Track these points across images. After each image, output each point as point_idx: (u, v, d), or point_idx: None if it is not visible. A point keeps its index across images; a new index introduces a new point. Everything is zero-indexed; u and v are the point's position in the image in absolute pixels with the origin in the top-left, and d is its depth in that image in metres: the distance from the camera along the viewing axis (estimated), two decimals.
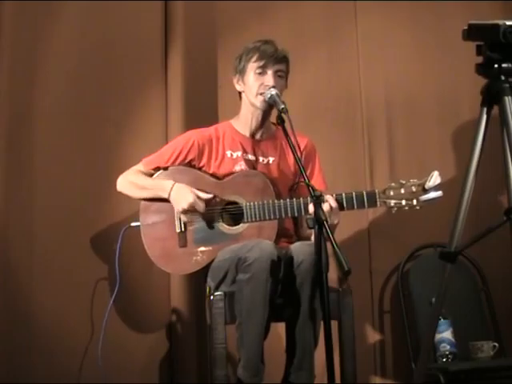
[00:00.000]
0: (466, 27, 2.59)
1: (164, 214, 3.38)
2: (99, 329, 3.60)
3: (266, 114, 3.42)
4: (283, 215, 3.26)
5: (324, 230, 2.77)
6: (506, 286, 4.11)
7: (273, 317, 3.18)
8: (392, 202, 3.17)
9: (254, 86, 3.37)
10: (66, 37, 3.78)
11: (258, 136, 3.48)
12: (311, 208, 3.04)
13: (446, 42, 4.18)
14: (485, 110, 2.62)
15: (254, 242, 3.19)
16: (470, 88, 4.01)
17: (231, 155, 3.44)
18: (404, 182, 3.18)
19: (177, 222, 3.37)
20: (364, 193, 3.20)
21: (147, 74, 3.97)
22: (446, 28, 4.19)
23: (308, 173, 3.41)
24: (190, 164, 3.44)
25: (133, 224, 3.48)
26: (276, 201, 3.27)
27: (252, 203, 3.29)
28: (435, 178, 3.12)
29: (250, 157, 3.45)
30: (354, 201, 3.19)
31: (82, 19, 3.82)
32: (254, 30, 4.02)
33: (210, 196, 3.34)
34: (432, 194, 3.14)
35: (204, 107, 3.97)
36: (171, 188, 3.35)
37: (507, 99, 2.56)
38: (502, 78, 2.57)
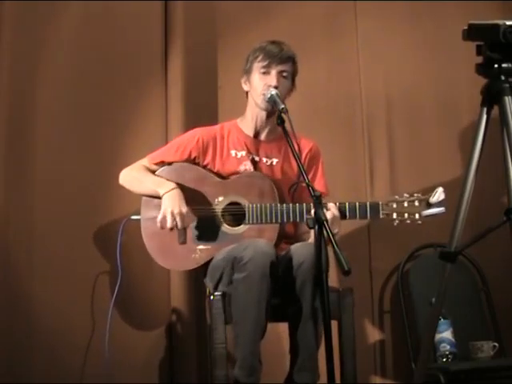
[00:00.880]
0: (465, 27, 2.59)
1: None
2: (100, 325, 3.60)
3: (270, 114, 3.42)
4: (285, 219, 3.27)
5: (324, 230, 2.77)
6: (506, 286, 4.11)
7: (271, 316, 3.17)
8: (394, 215, 3.21)
9: (257, 85, 3.38)
10: (66, 37, 3.78)
11: (262, 137, 3.48)
12: (329, 214, 3.08)
13: (446, 42, 4.18)
14: (485, 110, 2.62)
15: (249, 241, 3.20)
16: (469, 88, 4.01)
17: (236, 154, 3.45)
18: (408, 195, 3.22)
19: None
20: (367, 204, 3.22)
21: (147, 74, 3.97)
22: (446, 28, 4.19)
23: (310, 176, 3.41)
24: (194, 161, 3.44)
25: (133, 217, 3.48)
26: (279, 205, 3.27)
27: (255, 205, 3.29)
28: (439, 194, 3.16)
29: (254, 157, 3.45)
30: (357, 211, 3.22)
31: (82, 19, 3.82)
32: (254, 30, 4.02)
33: (192, 221, 3.32)
34: (434, 210, 3.19)
35: (204, 107, 3.97)
36: (171, 189, 3.33)
37: (507, 99, 2.56)
38: (502, 77, 2.57)
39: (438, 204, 3.17)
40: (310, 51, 4.18)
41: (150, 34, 3.99)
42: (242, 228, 3.32)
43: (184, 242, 3.34)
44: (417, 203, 3.20)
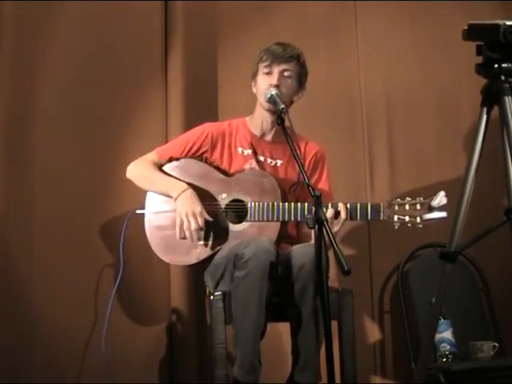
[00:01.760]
0: (465, 27, 2.59)
1: (169, 204, 3.38)
2: (101, 323, 3.59)
3: (273, 114, 3.41)
4: (286, 218, 3.27)
5: (324, 230, 2.77)
6: (505, 286, 4.11)
7: (271, 316, 3.18)
8: (395, 217, 3.20)
9: (261, 86, 3.39)
10: (66, 37, 3.78)
11: (268, 138, 3.48)
12: (329, 212, 3.09)
13: (446, 42, 4.18)
14: (485, 110, 2.61)
15: (250, 238, 3.20)
16: (469, 88, 4.01)
17: (242, 152, 3.46)
18: (409, 198, 3.22)
19: None
20: (369, 205, 3.22)
21: (147, 74, 3.97)
22: (446, 28, 4.19)
23: (314, 181, 3.43)
24: (202, 156, 3.45)
25: (138, 211, 3.49)
26: (281, 203, 3.28)
27: (257, 203, 3.30)
28: (441, 198, 3.15)
29: (259, 157, 3.46)
30: (358, 212, 3.22)
31: (82, 19, 3.82)
32: (254, 30, 4.03)
33: (210, 219, 3.33)
34: (436, 214, 3.18)
35: (204, 107, 3.97)
36: (183, 190, 3.34)
37: (507, 99, 2.56)
38: (502, 78, 2.57)
39: (440, 208, 3.16)
40: (310, 51, 4.15)
41: (150, 34, 3.98)
42: (243, 225, 3.33)
43: (185, 237, 3.34)
44: (418, 206, 3.19)
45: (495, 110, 2.61)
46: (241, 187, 3.36)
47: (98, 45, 3.85)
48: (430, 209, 3.17)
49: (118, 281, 3.59)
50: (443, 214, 3.16)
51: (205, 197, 3.36)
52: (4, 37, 3.62)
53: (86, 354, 3.65)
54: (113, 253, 3.64)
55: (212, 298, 3.25)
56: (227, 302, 3.22)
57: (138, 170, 3.48)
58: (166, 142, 3.77)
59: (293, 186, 3.44)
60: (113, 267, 3.68)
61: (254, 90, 3.46)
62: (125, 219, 3.54)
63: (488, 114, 2.61)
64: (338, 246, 2.70)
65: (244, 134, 3.48)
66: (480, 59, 2.59)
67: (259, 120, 3.47)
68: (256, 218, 3.30)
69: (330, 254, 2.79)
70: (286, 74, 3.38)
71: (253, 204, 3.30)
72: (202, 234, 3.33)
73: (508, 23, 2.48)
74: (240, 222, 3.34)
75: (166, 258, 3.45)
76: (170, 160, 3.46)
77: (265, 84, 3.37)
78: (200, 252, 3.35)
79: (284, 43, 3.43)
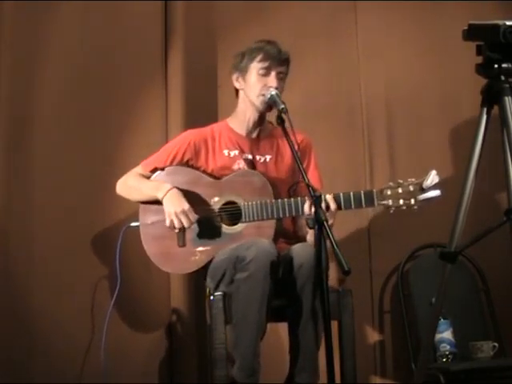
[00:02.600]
0: (466, 27, 2.59)
1: (163, 213, 3.36)
2: (100, 329, 3.59)
3: (263, 113, 3.42)
4: (281, 215, 3.26)
5: (324, 230, 2.77)
6: (506, 286, 4.11)
7: (271, 317, 3.17)
8: (390, 202, 3.16)
9: (256, 86, 3.37)
10: (66, 37, 3.78)
11: (254, 135, 3.47)
12: (306, 207, 3.05)
13: (446, 42, 4.18)
14: (485, 110, 2.62)
15: (251, 240, 3.19)
16: (470, 88, 4.01)
17: (228, 154, 3.44)
18: (402, 181, 3.16)
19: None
20: (362, 192, 3.19)
21: (147, 74, 3.97)
22: (446, 28, 4.19)
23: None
24: (187, 164, 3.44)
25: (132, 224, 3.48)
26: (274, 200, 3.27)
27: (250, 203, 3.29)
28: (433, 177, 3.11)
29: (248, 156, 3.45)
30: (352, 200, 3.18)
31: (82, 19, 3.83)
32: (254, 30, 4.02)
33: (197, 217, 3.32)
34: (430, 194, 3.12)
35: (204, 107, 3.97)
36: (168, 190, 3.33)
37: (507, 99, 2.56)
38: (502, 78, 2.57)
39: (433, 187, 3.12)
40: (310, 51, 4.18)
41: (150, 34, 3.99)
42: (239, 226, 3.32)
43: (183, 245, 3.34)
44: (411, 188, 3.14)
45: (495, 109, 2.61)
46: (232, 189, 3.34)
47: (97, 45, 3.85)
48: (423, 189, 3.13)
49: (114, 297, 3.57)
50: (437, 193, 3.11)
51: (197, 202, 3.34)
52: (4, 37, 3.62)
53: (86, 355, 3.65)
54: (111, 262, 3.62)
55: (212, 298, 3.25)
56: (227, 303, 3.22)
57: (126, 184, 3.47)
58: (166, 142, 3.77)
59: (292, 186, 3.43)
60: (111, 277, 3.67)
61: (238, 86, 3.44)
62: (119, 233, 3.52)
63: (488, 114, 2.61)
64: (338, 246, 2.70)
65: (228, 136, 3.46)
66: (480, 59, 2.59)
67: (244, 118, 3.45)
68: (251, 218, 3.28)
69: (330, 253, 2.79)
70: (280, 75, 3.37)
71: (246, 204, 3.29)
72: (185, 238, 3.32)
73: (508, 23, 2.48)
74: (235, 223, 3.33)
75: (166, 269, 3.45)
76: (155, 170, 3.44)
77: (260, 84, 3.35)
78: (200, 259, 3.33)
79: (273, 41, 3.40)
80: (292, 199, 3.26)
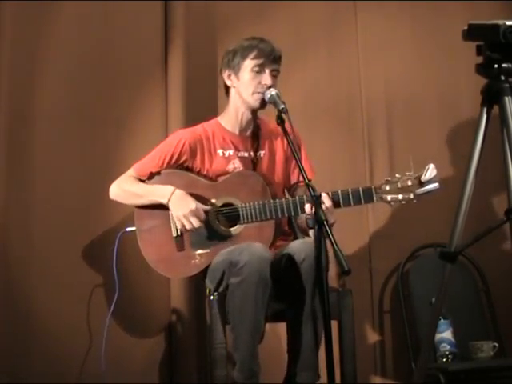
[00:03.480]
0: (465, 27, 2.59)
1: (159, 218, 3.34)
2: (100, 330, 3.59)
3: (256, 111, 3.41)
4: (280, 215, 3.24)
5: (324, 230, 2.77)
6: (506, 286, 4.11)
7: (270, 318, 3.17)
8: (389, 197, 3.15)
9: (250, 84, 3.34)
10: (66, 37, 3.78)
11: (248, 132, 3.45)
12: (307, 207, 3.04)
13: (446, 42, 4.18)
14: (485, 110, 2.62)
15: (244, 245, 3.17)
16: (470, 88, 4.01)
17: (223, 154, 3.41)
18: (400, 176, 3.15)
19: (173, 227, 3.33)
20: (360, 189, 3.18)
21: (147, 73, 3.97)
22: (446, 28, 4.19)
23: (293, 163, 3.41)
24: (182, 166, 3.40)
25: (128, 229, 3.45)
26: (272, 201, 3.25)
27: (248, 204, 3.26)
28: (431, 171, 3.09)
29: (244, 153, 3.42)
30: (351, 197, 3.15)
31: (82, 19, 3.82)
32: (254, 30, 3.99)
33: (208, 208, 3.30)
34: (428, 187, 3.09)
35: (204, 107, 3.96)
36: (172, 193, 3.30)
37: (507, 99, 2.56)
38: (502, 77, 2.57)
39: (431, 181, 3.11)
40: (309, 51, 4.18)
41: (150, 34, 3.98)
42: (238, 228, 3.29)
43: (182, 249, 3.32)
44: (410, 183, 3.12)
45: (495, 109, 2.61)
46: (228, 190, 3.32)
47: (97, 45, 3.85)
48: (422, 183, 3.12)
49: (113, 302, 3.56)
50: (435, 185, 3.09)
51: None
52: (4, 37, 3.62)
53: (86, 355, 3.65)
54: (109, 265, 3.61)
55: (212, 298, 3.25)
56: (227, 303, 3.21)
57: (121, 188, 3.42)
58: None
59: (292, 186, 3.43)
60: (109, 281, 3.65)
61: (230, 83, 3.41)
62: (115, 238, 3.51)
63: (488, 113, 2.61)
64: (338, 246, 2.70)
65: (222, 135, 3.43)
66: (480, 59, 2.59)
67: (236, 116, 3.42)
68: (249, 219, 3.26)
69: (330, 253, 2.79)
70: (273, 73, 3.36)
71: (244, 205, 3.28)
72: (184, 243, 3.30)
73: (508, 23, 2.48)
74: (234, 225, 3.30)
75: (166, 274, 3.44)
76: (151, 176, 3.40)
77: (255, 82, 3.33)
78: (200, 262, 3.31)
79: (264, 39, 3.38)
80: (290, 199, 3.25)
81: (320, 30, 4.22)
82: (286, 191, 3.48)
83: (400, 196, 3.13)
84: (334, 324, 3.22)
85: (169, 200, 3.30)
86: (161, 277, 3.55)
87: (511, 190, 2.57)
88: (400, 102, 4.24)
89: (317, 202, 2.85)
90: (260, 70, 3.34)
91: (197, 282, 3.67)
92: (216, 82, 4.02)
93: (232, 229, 3.30)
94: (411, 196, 3.12)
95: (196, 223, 3.26)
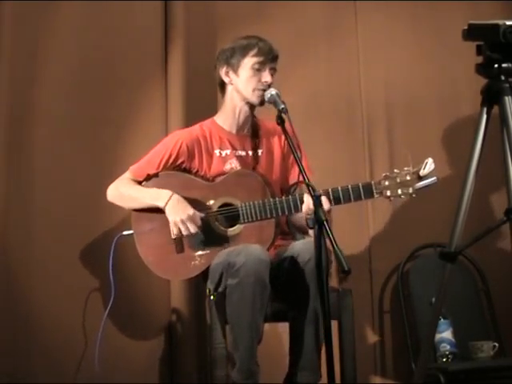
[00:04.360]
0: (465, 27, 2.59)
1: (157, 221, 3.33)
2: (99, 329, 3.59)
3: (253, 109, 3.40)
4: (280, 213, 3.24)
5: (324, 230, 2.77)
6: (506, 286, 4.11)
7: (271, 317, 3.17)
8: (388, 192, 3.16)
9: (250, 81, 3.34)
10: (66, 37, 3.78)
11: (245, 131, 3.45)
12: (305, 206, 3.04)
13: (446, 42, 4.18)
14: (485, 109, 2.61)
15: (242, 246, 3.17)
16: (469, 88, 4.01)
17: (220, 154, 3.40)
18: (398, 171, 3.17)
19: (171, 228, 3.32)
20: (360, 185, 3.18)
21: (147, 73, 3.97)
22: (446, 28, 4.19)
23: (290, 162, 3.42)
24: (180, 167, 3.40)
25: (125, 233, 3.44)
26: (271, 199, 3.25)
27: (247, 203, 3.25)
28: (429, 165, 3.13)
29: (241, 152, 3.42)
30: (351, 194, 3.17)
31: (82, 19, 3.82)
32: (254, 30, 3.99)
33: (204, 215, 3.29)
34: (427, 181, 3.13)
35: (204, 107, 3.96)
36: (169, 197, 3.29)
37: (507, 99, 2.56)
38: (502, 77, 2.56)
39: (430, 175, 3.13)
40: (309, 51, 4.18)
41: (150, 34, 3.98)
42: (238, 228, 3.29)
43: (182, 251, 3.31)
44: (408, 177, 3.15)
45: (495, 109, 2.61)
46: (227, 190, 3.31)
47: (97, 45, 3.85)
48: (420, 178, 3.14)
49: (109, 306, 3.53)
50: (434, 180, 3.13)
51: (192, 206, 3.29)
52: (4, 37, 3.62)
53: (85, 355, 3.65)
54: (106, 269, 3.61)
55: (212, 298, 3.25)
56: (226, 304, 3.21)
57: (118, 191, 3.42)
58: None
59: (292, 186, 3.43)
60: (106, 284, 3.63)
61: (227, 80, 3.41)
62: (112, 242, 3.49)
63: (488, 113, 2.61)
64: (338, 246, 2.70)
65: (219, 135, 3.43)
66: (480, 59, 2.59)
67: (234, 114, 3.42)
68: (249, 219, 3.25)
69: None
70: (271, 72, 3.36)
71: (243, 205, 3.27)
72: (183, 245, 3.30)
73: (508, 23, 2.48)
74: (233, 225, 3.29)
75: (166, 276, 3.45)
76: (148, 178, 3.39)
77: (254, 80, 3.33)
78: (200, 263, 3.31)
79: (262, 38, 3.38)
80: (290, 197, 3.24)
81: (320, 30, 4.22)
82: (282, 191, 3.47)
83: (399, 191, 3.16)
84: (334, 324, 3.22)
85: (166, 204, 3.28)
86: (161, 278, 3.56)
87: (511, 190, 2.57)
88: (400, 102, 4.24)
89: (317, 201, 2.85)
90: (260, 67, 3.34)
91: (197, 283, 3.67)
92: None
93: (232, 229, 3.30)
94: (410, 190, 3.15)
95: (193, 229, 3.26)
